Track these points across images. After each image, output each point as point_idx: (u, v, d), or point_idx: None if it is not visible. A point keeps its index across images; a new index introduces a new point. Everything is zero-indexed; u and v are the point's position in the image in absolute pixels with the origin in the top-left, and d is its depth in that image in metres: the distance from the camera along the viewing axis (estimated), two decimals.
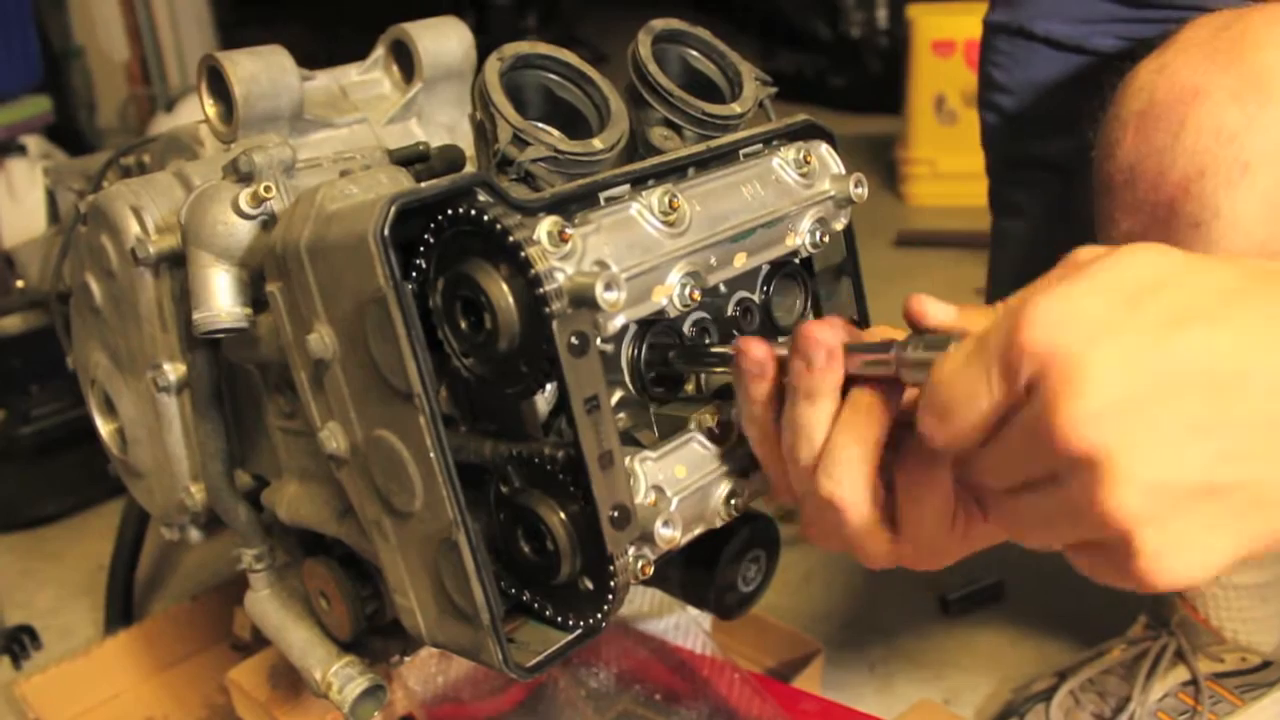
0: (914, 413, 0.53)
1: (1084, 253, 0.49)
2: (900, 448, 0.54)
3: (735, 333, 0.70)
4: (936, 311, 0.54)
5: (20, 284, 1.33)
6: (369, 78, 0.89)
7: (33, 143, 2.08)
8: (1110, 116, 0.76)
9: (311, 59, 0.88)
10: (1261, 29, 0.70)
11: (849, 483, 0.54)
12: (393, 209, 0.53)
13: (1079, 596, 1.24)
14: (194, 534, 0.86)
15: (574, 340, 0.53)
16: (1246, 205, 0.69)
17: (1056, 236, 0.96)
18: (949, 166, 2.57)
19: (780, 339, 0.58)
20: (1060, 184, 0.91)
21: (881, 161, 2.88)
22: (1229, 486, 0.42)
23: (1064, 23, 0.93)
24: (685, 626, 1.06)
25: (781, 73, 3.53)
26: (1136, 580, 0.45)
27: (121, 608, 1.27)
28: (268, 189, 0.67)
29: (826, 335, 0.53)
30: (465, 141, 0.83)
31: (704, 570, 0.84)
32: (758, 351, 0.56)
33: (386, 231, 0.53)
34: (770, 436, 0.58)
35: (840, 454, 0.54)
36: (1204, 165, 0.70)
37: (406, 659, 0.83)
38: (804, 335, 0.53)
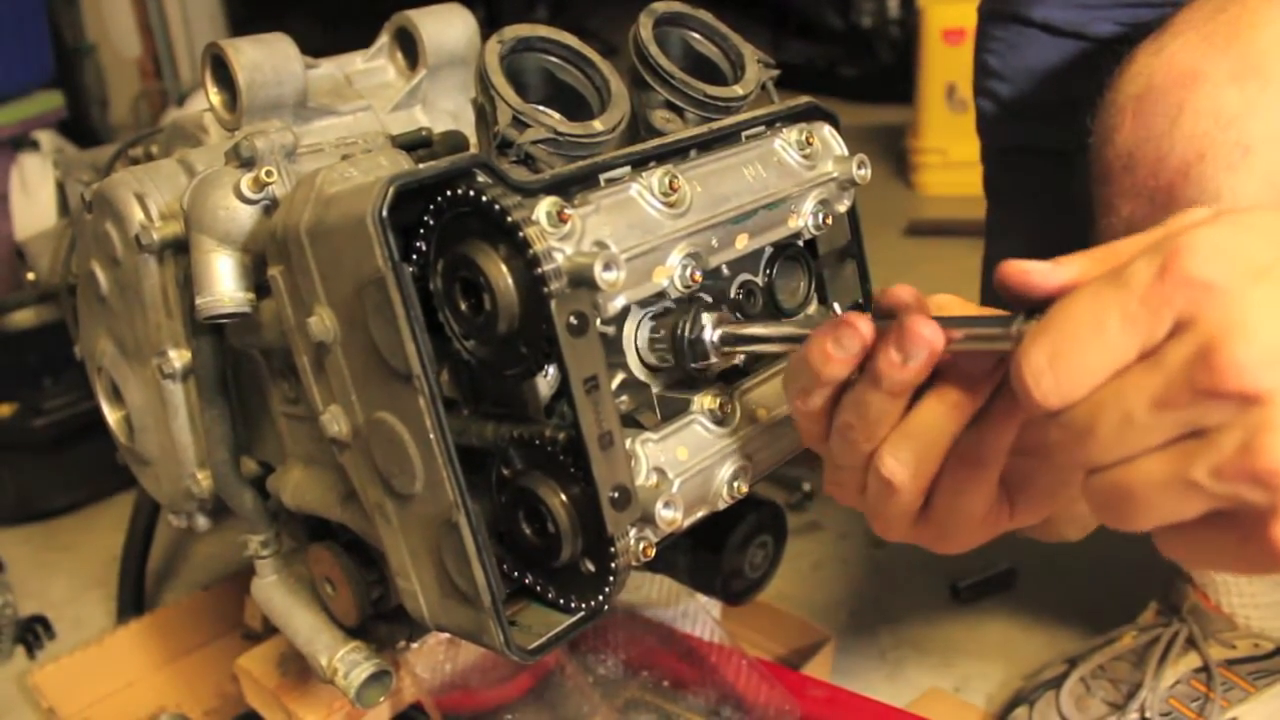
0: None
1: (1195, 212, 0.46)
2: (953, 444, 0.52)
3: (738, 315, 0.70)
4: (1041, 271, 0.47)
5: (31, 276, 1.34)
6: (373, 65, 0.89)
7: (45, 138, 2.09)
8: (1107, 102, 0.75)
9: (322, 54, 0.88)
10: (1259, 9, 0.69)
11: (915, 470, 0.52)
12: (391, 190, 0.53)
13: (1090, 583, 1.24)
14: (201, 521, 0.87)
15: (573, 320, 0.53)
16: (1248, 188, 0.68)
17: (1053, 224, 0.96)
18: (960, 155, 2.55)
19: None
20: (1057, 171, 0.90)
21: (893, 151, 2.87)
22: None
23: (1062, 9, 0.93)
24: (694, 614, 1.06)
25: (792, 63, 3.52)
26: (1268, 550, 0.41)
27: (133, 598, 1.28)
28: (269, 173, 0.67)
29: (932, 334, 0.49)
30: (470, 128, 0.83)
31: (711, 556, 0.84)
32: (865, 329, 0.51)
33: (385, 212, 0.53)
34: (822, 415, 0.55)
35: (918, 439, 0.52)
36: (1203, 149, 0.69)
37: (413, 645, 0.83)
38: (910, 331, 0.49)
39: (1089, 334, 0.42)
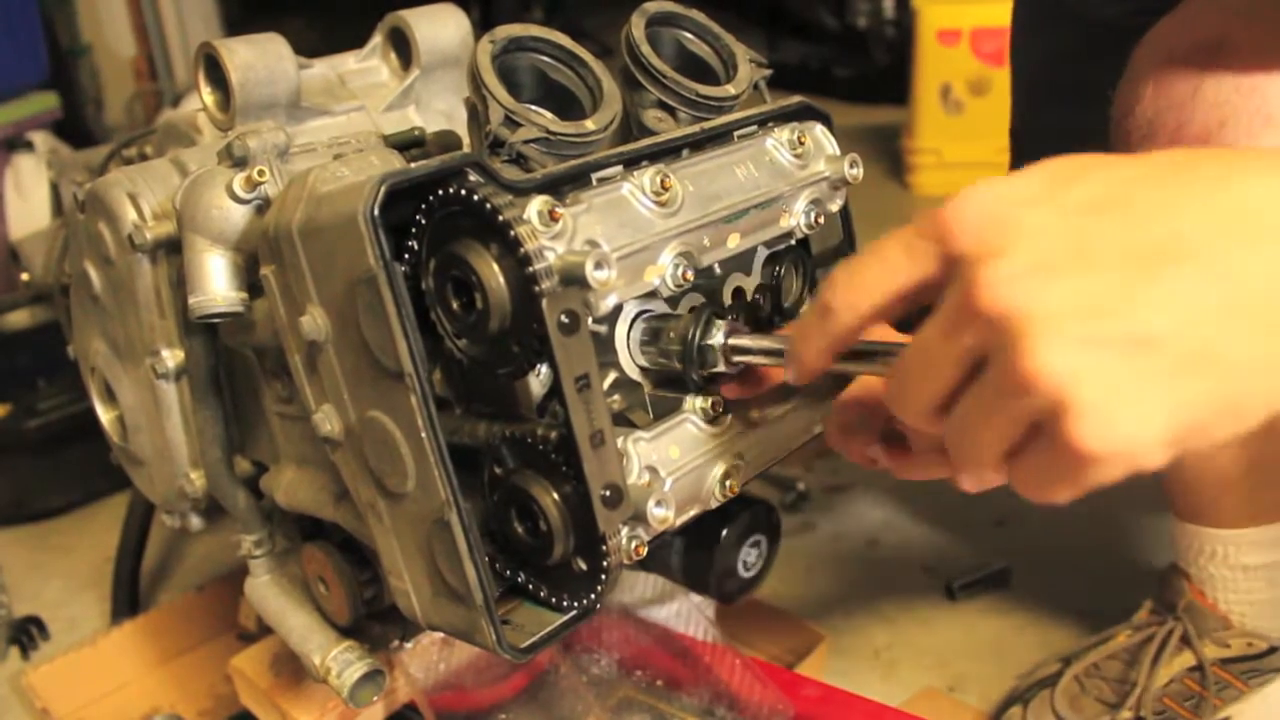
0: None
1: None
2: None
3: (736, 316, 0.70)
4: None
5: (25, 277, 1.34)
6: (367, 65, 0.89)
7: (40, 139, 2.09)
8: (1129, 74, 0.75)
9: (317, 54, 0.88)
10: None
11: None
12: (382, 189, 0.53)
13: (1084, 582, 1.24)
14: (195, 521, 0.87)
15: (564, 319, 0.53)
16: None
17: None
18: (955, 156, 2.56)
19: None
20: (1083, 149, 0.91)
21: (888, 152, 2.87)
22: (1156, 339, 0.41)
23: None
24: (688, 613, 1.06)
25: (787, 64, 3.52)
26: (1075, 452, 0.42)
27: (128, 598, 1.28)
28: (261, 173, 0.67)
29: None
30: (463, 128, 0.83)
31: (704, 555, 0.84)
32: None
33: (376, 211, 0.53)
34: None
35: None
36: (1225, 116, 0.68)
37: (406, 644, 0.83)
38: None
39: (874, 262, 0.49)
